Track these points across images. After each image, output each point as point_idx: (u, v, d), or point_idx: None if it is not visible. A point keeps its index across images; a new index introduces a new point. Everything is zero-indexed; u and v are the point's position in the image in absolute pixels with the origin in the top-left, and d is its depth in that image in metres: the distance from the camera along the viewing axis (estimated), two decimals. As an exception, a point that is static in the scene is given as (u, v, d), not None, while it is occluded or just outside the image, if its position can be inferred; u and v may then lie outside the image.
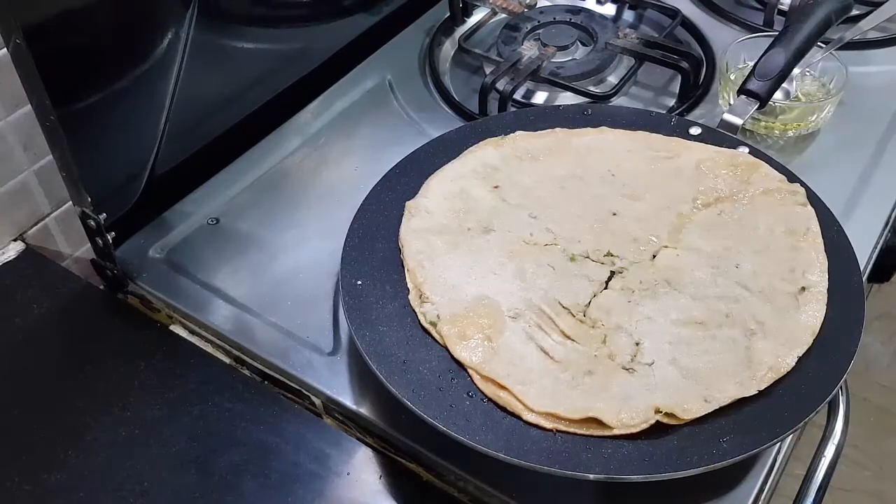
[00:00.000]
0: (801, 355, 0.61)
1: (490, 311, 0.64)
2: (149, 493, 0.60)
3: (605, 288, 0.67)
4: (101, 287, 0.79)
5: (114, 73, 0.71)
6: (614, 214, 0.72)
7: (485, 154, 0.78)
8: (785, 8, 1.00)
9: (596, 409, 0.58)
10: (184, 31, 0.76)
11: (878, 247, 0.78)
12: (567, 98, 0.95)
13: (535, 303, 0.65)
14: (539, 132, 0.80)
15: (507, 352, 0.62)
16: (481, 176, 0.76)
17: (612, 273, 0.68)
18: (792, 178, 0.74)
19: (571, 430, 0.58)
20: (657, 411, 0.57)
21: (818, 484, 0.67)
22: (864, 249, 0.76)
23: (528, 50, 0.96)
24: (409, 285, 0.67)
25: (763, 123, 0.88)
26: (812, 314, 0.63)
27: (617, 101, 0.94)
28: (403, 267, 0.69)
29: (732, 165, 0.75)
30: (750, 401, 0.59)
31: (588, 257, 0.69)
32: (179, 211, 0.84)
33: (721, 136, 0.79)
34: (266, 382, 0.71)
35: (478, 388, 0.60)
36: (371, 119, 0.94)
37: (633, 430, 0.57)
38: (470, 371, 0.61)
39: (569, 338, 0.63)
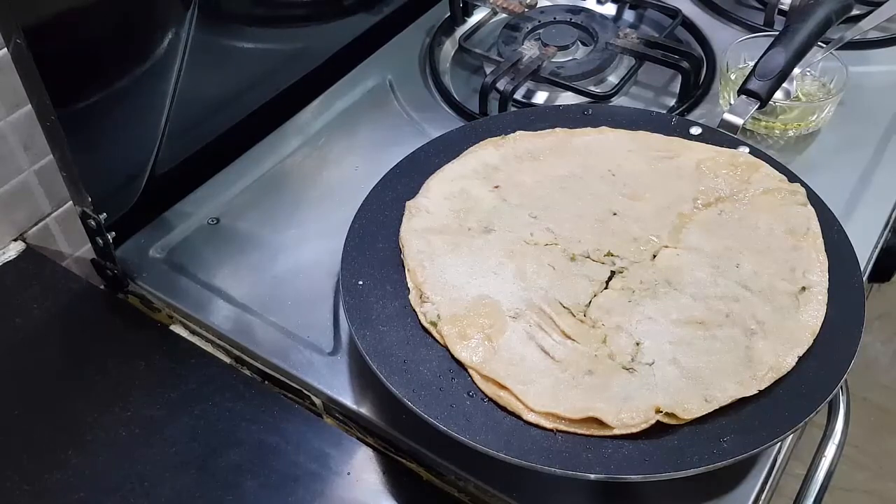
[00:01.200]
0: (801, 355, 0.61)
1: (490, 310, 0.64)
2: (149, 493, 0.60)
3: (606, 288, 0.67)
4: (102, 287, 0.79)
5: (114, 73, 0.71)
6: (614, 214, 0.72)
7: (485, 154, 0.78)
8: (785, 8, 1.00)
9: (596, 408, 0.58)
10: (184, 31, 0.76)
11: (879, 247, 0.78)
12: (567, 98, 0.95)
13: (536, 303, 0.65)
14: (539, 132, 0.80)
15: (507, 351, 0.62)
16: (482, 176, 0.76)
17: (613, 273, 0.68)
18: (792, 177, 0.74)
19: (572, 429, 0.58)
20: (657, 411, 0.57)
21: (818, 484, 0.68)
22: (865, 249, 0.76)
23: (529, 50, 0.96)
24: (409, 285, 0.67)
25: (763, 123, 0.88)
26: (812, 314, 0.63)
27: (617, 100, 0.94)
28: (404, 267, 0.69)
29: (733, 165, 0.75)
30: (750, 400, 0.59)
31: (588, 257, 0.69)
32: (179, 211, 0.84)
33: (721, 135, 0.79)
34: (266, 382, 0.71)
35: (478, 387, 0.60)
36: (371, 119, 0.93)
37: (634, 430, 0.57)
38: (470, 371, 0.61)
39: (569, 337, 0.63)
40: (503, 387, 0.59)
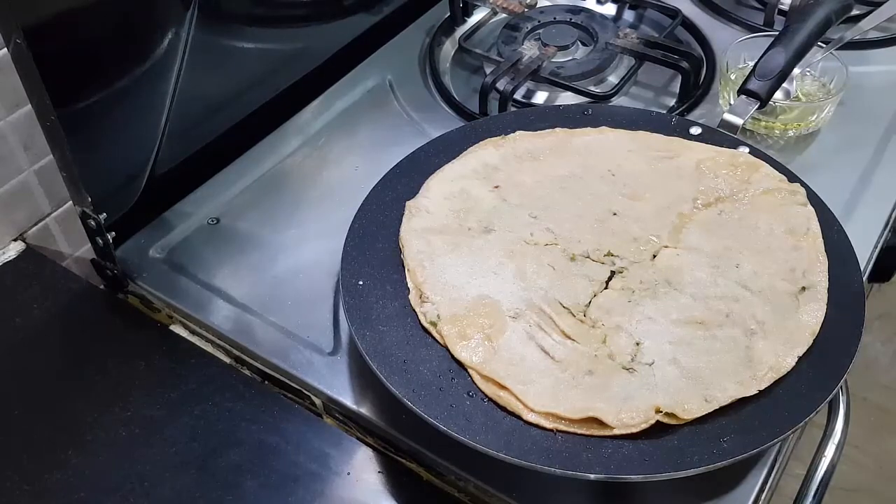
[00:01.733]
0: (801, 355, 0.61)
1: (490, 310, 0.64)
2: (149, 493, 0.60)
3: (606, 288, 0.67)
4: (102, 287, 0.79)
5: (114, 72, 0.71)
6: (614, 214, 0.72)
7: (485, 154, 0.78)
8: (785, 8, 1.00)
9: (596, 408, 0.58)
10: (184, 30, 0.76)
11: (879, 247, 0.78)
12: (567, 98, 0.95)
13: (536, 303, 0.65)
14: (539, 132, 0.80)
15: (507, 351, 0.62)
16: (482, 176, 0.76)
17: (613, 273, 0.68)
18: (792, 178, 0.74)
19: (571, 429, 0.58)
20: (657, 411, 0.57)
21: (818, 483, 0.67)
22: (865, 249, 0.76)
23: (529, 50, 0.96)
24: (409, 285, 0.67)
25: (763, 123, 0.88)
26: (812, 314, 0.63)
27: (617, 100, 0.94)
28: (404, 267, 0.69)
29: (733, 165, 0.75)
30: (750, 400, 0.59)
31: (588, 257, 0.69)
32: (179, 211, 0.84)
33: (721, 135, 0.79)
34: (266, 382, 0.71)
35: (478, 387, 0.60)
36: (371, 119, 0.93)
37: (634, 430, 0.57)
38: (470, 371, 0.61)
39: (569, 337, 0.63)
40: (503, 387, 0.59)
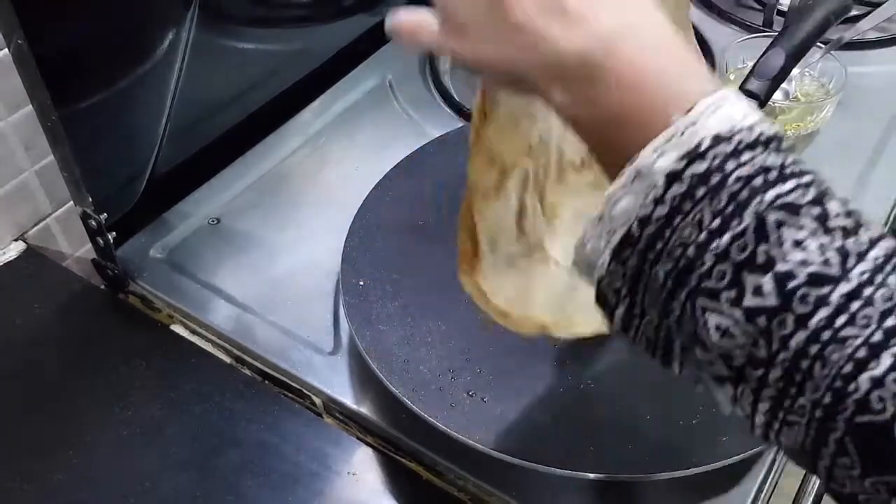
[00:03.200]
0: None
1: None
2: (149, 493, 0.60)
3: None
4: (102, 287, 0.79)
5: (115, 73, 0.71)
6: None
7: None
8: (784, 8, 1.00)
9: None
10: (185, 31, 0.76)
11: (878, 247, 0.78)
12: (567, 98, 0.95)
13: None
14: None
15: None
16: None
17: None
18: (792, 178, 0.74)
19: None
20: None
21: (818, 483, 0.68)
22: (864, 249, 0.76)
23: (528, 50, 0.96)
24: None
25: (763, 124, 0.88)
26: (812, 314, 0.63)
27: (617, 101, 0.94)
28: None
29: (733, 165, 0.75)
30: (750, 400, 0.59)
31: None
32: (180, 211, 0.84)
33: (721, 136, 0.79)
34: (266, 382, 0.71)
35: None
36: (371, 119, 0.94)
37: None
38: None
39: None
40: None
